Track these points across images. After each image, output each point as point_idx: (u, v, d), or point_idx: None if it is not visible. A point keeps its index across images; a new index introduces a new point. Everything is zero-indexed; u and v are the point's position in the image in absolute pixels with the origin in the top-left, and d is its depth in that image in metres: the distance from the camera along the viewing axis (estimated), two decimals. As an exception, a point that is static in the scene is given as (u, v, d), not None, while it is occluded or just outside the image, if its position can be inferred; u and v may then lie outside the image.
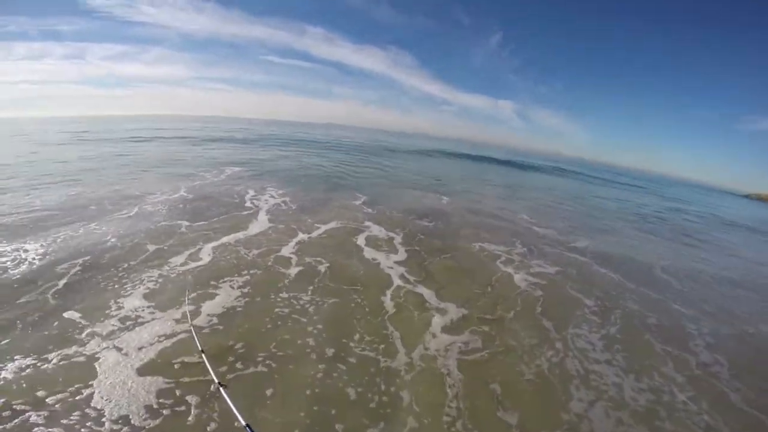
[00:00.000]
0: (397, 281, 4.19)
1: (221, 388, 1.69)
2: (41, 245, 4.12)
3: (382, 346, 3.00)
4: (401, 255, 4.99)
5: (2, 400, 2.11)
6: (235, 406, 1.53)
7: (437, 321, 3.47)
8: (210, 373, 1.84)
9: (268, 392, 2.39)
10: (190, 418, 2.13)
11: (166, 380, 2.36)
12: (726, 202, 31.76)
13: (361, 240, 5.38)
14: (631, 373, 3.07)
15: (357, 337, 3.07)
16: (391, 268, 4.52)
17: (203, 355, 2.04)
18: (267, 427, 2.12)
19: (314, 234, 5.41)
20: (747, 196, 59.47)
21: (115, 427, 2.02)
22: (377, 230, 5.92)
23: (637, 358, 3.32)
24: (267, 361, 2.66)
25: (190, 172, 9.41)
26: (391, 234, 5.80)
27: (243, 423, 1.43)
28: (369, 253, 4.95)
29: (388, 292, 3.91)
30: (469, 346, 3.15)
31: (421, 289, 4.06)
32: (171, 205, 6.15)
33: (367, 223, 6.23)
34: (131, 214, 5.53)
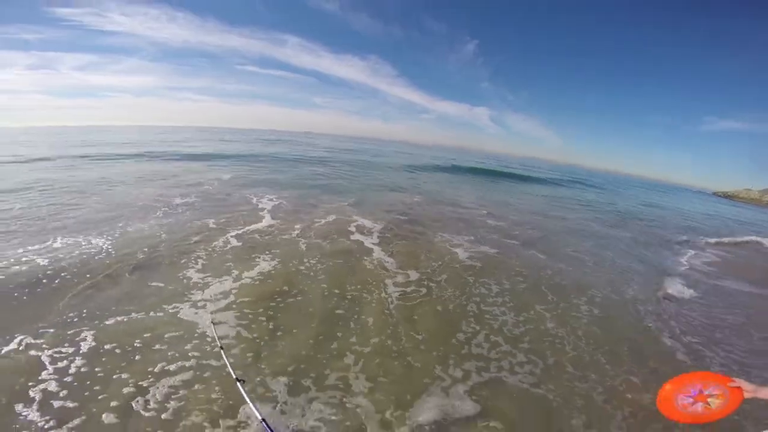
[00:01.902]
0: (374, 254, 6.02)
1: (239, 384, 1.76)
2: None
3: (361, 289, 4.78)
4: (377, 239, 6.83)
5: (113, 342, 3.32)
6: (251, 399, 1.62)
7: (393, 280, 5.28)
8: (228, 368, 1.98)
9: (293, 312, 4.10)
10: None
11: (230, 324, 3.84)
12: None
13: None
14: (513, 312, 4.88)
15: (349, 284, 4.86)
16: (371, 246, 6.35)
17: (222, 351, 2.28)
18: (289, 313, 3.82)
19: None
20: (714, 194, 66.48)
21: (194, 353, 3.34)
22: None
23: (523, 304, 5.13)
24: (298, 296, 4.38)
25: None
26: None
27: (259, 417, 1.48)
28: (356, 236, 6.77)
29: (367, 259, 5.75)
30: (408, 295, 4.86)
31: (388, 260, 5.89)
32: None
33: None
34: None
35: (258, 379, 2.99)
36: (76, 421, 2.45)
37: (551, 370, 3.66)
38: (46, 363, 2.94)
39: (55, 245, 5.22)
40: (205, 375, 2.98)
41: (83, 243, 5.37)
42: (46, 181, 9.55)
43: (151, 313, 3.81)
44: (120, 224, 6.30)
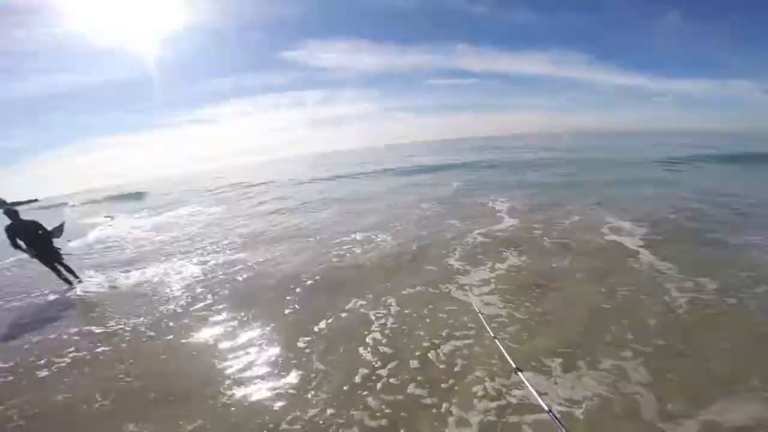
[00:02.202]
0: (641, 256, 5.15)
1: (519, 374, 1.73)
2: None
3: (634, 290, 4.21)
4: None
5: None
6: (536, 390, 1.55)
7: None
8: (506, 356, 1.92)
9: (556, 302, 4.07)
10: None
11: (497, 306, 4.37)
12: None
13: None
14: None
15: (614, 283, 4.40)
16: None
17: (496, 341, 2.20)
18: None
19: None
20: None
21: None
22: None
23: None
24: (557, 289, 4.39)
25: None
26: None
27: (546, 408, 1.43)
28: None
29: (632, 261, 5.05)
30: (703, 302, 3.84)
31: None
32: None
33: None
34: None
35: (532, 356, 3.22)
36: (393, 364, 3.35)
37: None
38: (372, 319, 4.24)
39: (357, 238, 7.43)
40: (485, 342, 3.49)
41: (375, 238, 7.39)
42: (328, 196, 13.91)
43: (430, 290, 4.81)
44: (391, 225, 8.24)
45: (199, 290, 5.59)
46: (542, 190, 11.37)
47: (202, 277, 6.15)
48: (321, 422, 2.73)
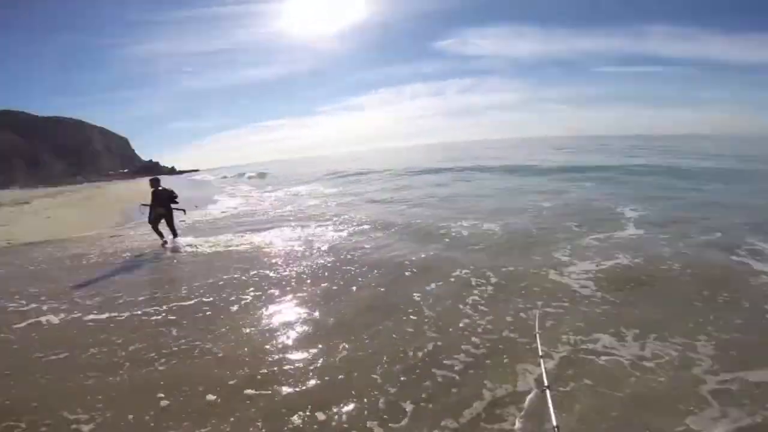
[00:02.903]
0: None
1: (547, 391, 1.82)
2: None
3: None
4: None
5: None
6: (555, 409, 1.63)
7: None
8: (543, 375, 2.07)
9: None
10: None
11: (591, 288, 4.80)
12: None
13: None
14: None
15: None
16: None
17: (541, 359, 2.28)
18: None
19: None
20: None
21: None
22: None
23: None
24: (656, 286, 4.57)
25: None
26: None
27: (554, 423, 1.50)
28: None
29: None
30: None
31: None
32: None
33: None
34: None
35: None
36: (485, 327, 3.86)
37: None
38: (473, 284, 5.09)
39: (464, 224, 8.43)
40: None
41: (480, 225, 8.26)
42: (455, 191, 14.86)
43: (531, 270, 5.45)
44: (502, 217, 8.91)
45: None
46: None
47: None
48: (430, 348, 3.46)
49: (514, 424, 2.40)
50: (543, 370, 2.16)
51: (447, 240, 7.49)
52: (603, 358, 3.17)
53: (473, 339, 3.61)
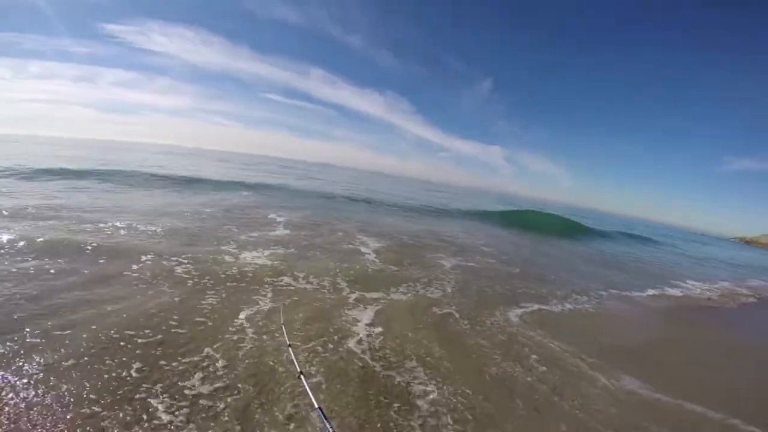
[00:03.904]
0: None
1: (302, 377, 2.05)
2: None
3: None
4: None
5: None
6: (312, 391, 1.86)
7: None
8: (294, 363, 2.30)
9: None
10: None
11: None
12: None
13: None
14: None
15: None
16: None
17: (290, 348, 2.61)
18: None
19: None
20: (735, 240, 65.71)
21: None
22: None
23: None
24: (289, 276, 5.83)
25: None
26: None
27: (316, 405, 1.69)
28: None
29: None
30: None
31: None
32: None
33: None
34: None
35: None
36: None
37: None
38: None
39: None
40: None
41: (137, 226, 7.08)
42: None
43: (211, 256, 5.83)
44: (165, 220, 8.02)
45: None
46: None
47: None
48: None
49: (284, 410, 2.81)
50: (294, 358, 2.43)
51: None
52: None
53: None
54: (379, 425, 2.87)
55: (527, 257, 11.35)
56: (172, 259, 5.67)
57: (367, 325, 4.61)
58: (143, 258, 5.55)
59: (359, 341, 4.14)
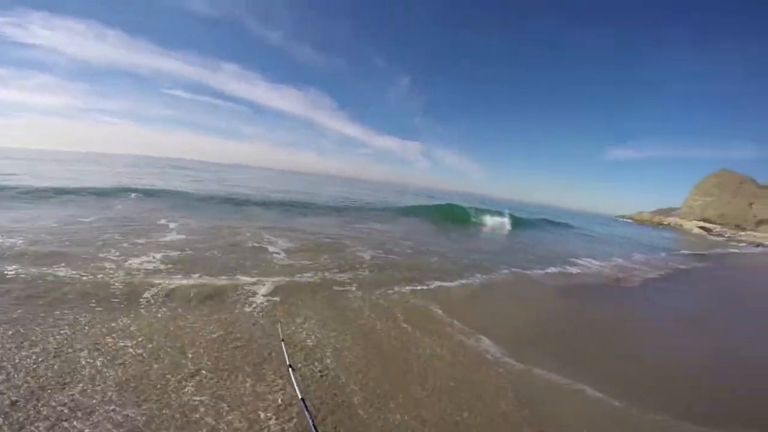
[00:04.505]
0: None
1: (290, 370, 2.04)
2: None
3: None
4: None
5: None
6: (298, 385, 1.86)
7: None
8: (285, 356, 2.28)
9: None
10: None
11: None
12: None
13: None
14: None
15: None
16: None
17: (283, 343, 2.61)
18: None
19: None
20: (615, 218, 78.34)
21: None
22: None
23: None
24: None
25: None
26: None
27: (299, 396, 1.68)
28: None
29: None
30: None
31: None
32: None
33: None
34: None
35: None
36: None
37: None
38: None
39: None
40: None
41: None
42: None
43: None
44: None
45: None
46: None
47: None
48: None
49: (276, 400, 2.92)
50: (285, 352, 2.43)
51: None
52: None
53: None
54: (263, 369, 3.36)
55: (443, 246, 11.67)
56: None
57: (264, 294, 5.16)
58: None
59: (254, 305, 4.78)
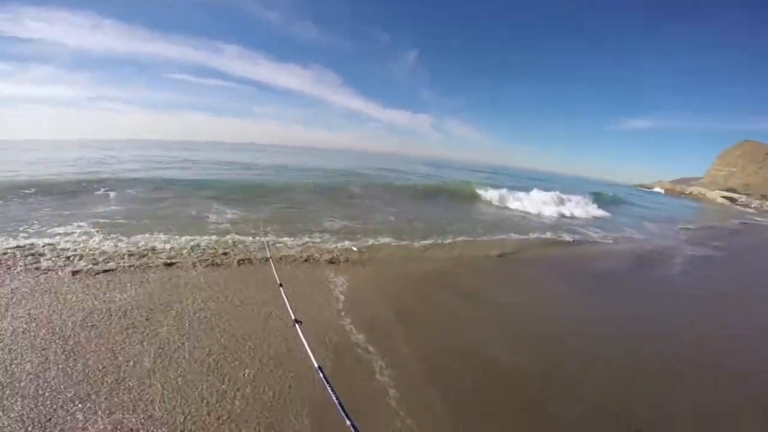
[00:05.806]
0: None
1: (297, 325, 1.75)
2: None
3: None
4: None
5: None
6: (309, 346, 1.55)
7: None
8: (288, 309, 1.99)
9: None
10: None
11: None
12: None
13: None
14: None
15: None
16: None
17: (281, 288, 2.28)
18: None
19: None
20: (633, 186, 74.93)
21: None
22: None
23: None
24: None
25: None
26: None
27: (316, 365, 1.41)
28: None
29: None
30: None
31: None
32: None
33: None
34: None
35: None
36: None
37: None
38: None
39: None
40: None
41: None
42: None
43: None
44: None
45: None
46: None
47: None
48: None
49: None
50: (289, 308, 2.10)
51: None
52: None
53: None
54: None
55: (429, 217, 9.87)
56: None
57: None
58: None
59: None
